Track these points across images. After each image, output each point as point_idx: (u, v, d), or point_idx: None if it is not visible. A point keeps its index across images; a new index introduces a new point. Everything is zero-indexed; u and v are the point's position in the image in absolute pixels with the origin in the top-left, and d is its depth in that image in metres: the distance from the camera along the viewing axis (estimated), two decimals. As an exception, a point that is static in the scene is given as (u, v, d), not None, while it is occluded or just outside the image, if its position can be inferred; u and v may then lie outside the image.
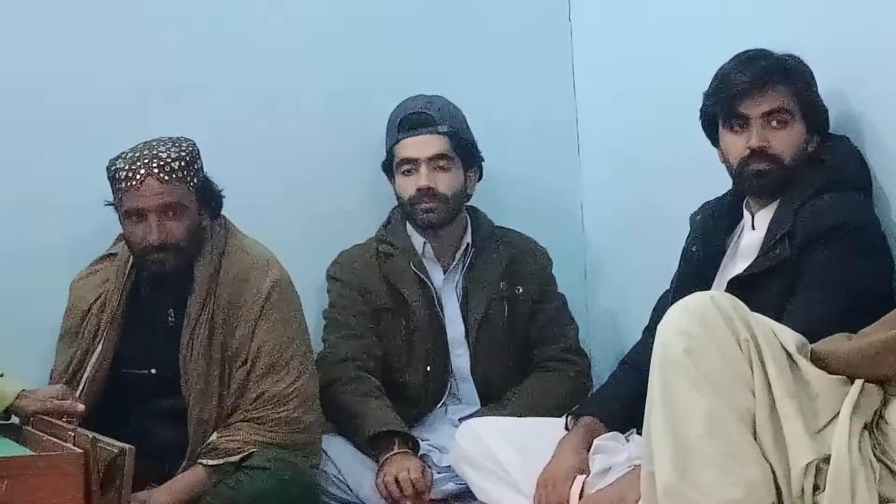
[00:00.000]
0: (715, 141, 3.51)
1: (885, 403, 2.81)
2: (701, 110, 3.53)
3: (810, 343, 2.91)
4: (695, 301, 2.91)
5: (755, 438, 2.82)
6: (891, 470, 2.75)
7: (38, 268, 3.80)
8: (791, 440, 2.77)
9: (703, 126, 3.53)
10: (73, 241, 3.82)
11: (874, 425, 2.80)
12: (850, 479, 2.68)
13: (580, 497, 3.38)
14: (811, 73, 3.41)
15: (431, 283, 4.07)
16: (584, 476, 3.44)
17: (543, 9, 4.55)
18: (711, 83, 3.47)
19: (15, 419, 3.33)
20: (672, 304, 3.51)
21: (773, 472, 2.79)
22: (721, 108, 3.47)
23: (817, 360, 2.87)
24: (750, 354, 2.80)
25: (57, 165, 3.82)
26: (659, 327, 2.92)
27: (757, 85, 3.38)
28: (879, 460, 2.75)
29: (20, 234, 3.82)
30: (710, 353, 2.81)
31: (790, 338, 2.89)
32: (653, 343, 3.44)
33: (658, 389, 2.87)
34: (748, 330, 2.84)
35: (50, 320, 3.76)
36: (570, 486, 3.43)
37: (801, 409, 2.81)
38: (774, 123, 3.37)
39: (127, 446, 2.91)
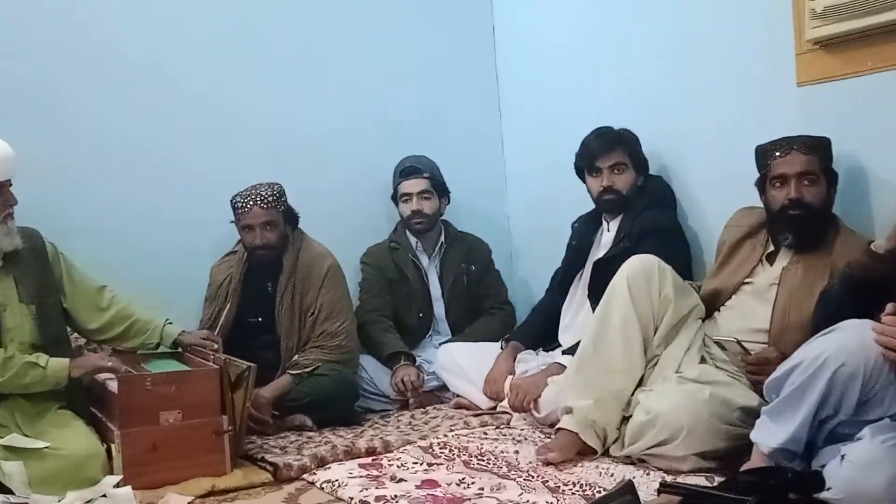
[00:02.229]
0: (583, 181, 3.52)
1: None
2: (574, 164, 3.53)
3: None
4: (643, 257, 2.93)
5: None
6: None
7: (190, 260, 3.74)
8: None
9: (577, 173, 3.53)
10: (211, 243, 3.78)
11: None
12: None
13: (510, 387, 3.38)
14: (637, 139, 3.48)
15: (421, 265, 4.03)
16: (512, 375, 3.45)
17: (481, 104, 4.51)
18: (580, 148, 3.51)
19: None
20: (559, 278, 3.69)
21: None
22: (585, 163, 3.48)
23: None
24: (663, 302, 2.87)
25: (205, 199, 3.76)
26: (619, 271, 2.92)
27: (605, 149, 3.41)
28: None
29: (183, 238, 3.75)
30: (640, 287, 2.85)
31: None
32: (550, 301, 3.61)
33: (605, 298, 2.89)
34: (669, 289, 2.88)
35: (197, 291, 3.74)
36: (504, 382, 3.44)
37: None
38: (616, 171, 3.41)
39: (252, 365, 2.97)
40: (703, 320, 2.97)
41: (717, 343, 2.78)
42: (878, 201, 2.71)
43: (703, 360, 2.86)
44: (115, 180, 3.66)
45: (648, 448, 2.64)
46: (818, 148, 2.72)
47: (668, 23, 3.47)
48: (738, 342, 2.67)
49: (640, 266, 2.87)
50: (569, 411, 2.80)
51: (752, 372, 2.65)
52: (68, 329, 3.18)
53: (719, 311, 2.94)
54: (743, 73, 3.18)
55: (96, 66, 3.64)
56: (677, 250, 3.31)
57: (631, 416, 2.76)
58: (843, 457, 2.12)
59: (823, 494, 2.11)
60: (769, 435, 2.32)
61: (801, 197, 2.70)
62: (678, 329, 2.88)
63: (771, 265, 2.85)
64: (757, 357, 2.65)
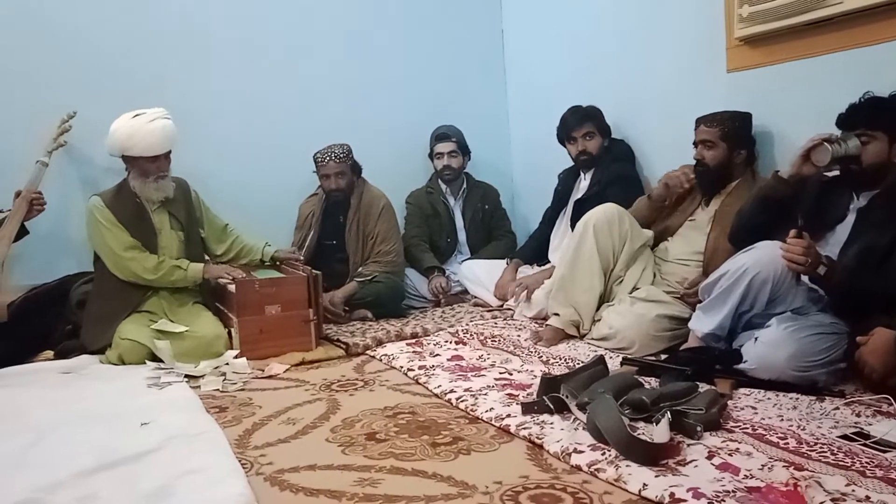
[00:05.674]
0: (564, 147, 3.43)
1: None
2: (556, 135, 3.44)
3: None
4: (605, 207, 2.84)
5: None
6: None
7: (285, 197, 3.72)
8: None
9: (558, 140, 3.43)
10: (299, 185, 3.73)
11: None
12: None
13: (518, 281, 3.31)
14: (601, 112, 3.35)
15: (449, 205, 3.95)
16: (514, 283, 3.41)
17: (494, 87, 4.38)
18: (559, 123, 3.41)
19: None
20: (548, 215, 3.61)
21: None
22: (564, 134, 3.40)
23: None
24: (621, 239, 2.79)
25: (292, 156, 3.70)
26: (586, 215, 2.85)
27: (578, 121, 3.33)
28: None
29: (278, 179, 3.73)
30: (603, 231, 2.78)
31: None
32: (542, 230, 3.55)
33: (576, 239, 2.83)
34: (626, 229, 2.81)
35: (289, 221, 3.72)
36: (508, 288, 3.38)
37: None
38: (588, 138, 3.32)
39: (319, 272, 3.00)
40: (654, 248, 2.93)
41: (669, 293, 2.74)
42: (785, 156, 2.65)
43: (654, 275, 2.83)
44: (234, 151, 3.66)
45: (612, 350, 2.62)
46: (718, 122, 2.68)
47: (632, 24, 3.37)
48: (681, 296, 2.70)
49: (603, 214, 2.80)
50: (555, 314, 2.81)
51: (689, 294, 2.65)
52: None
53: (669, 240, 2.89)
54: (687, 61, 3.09)
55: (208, 63, 3.63)
56: (635, 193, 3.22)
57: (600, 319, 2.76)
58: (756, 339, 2.12)
59: (741, 366, 2.12)
60: (702, 324, 2.31)
61: (702, 158, 2.73)
62: (636, 257, 2.83)
63: (707, 206, 2.80)
64: (689, 283, 2.67)
